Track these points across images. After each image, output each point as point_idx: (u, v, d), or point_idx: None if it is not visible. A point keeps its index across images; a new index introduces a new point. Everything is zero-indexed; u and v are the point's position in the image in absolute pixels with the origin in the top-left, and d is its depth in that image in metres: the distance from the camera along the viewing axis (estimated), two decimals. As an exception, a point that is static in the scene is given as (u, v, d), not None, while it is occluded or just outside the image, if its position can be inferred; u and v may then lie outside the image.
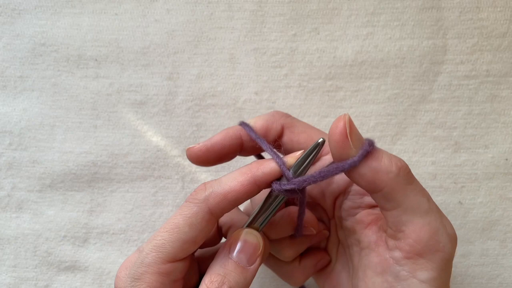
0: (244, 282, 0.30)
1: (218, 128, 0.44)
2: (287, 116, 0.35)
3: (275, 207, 0.32)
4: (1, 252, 0.45)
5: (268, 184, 0.31)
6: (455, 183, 0.44)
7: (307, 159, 0.30)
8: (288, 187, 0.30)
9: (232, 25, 0.44)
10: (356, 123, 0.44)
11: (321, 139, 0.30)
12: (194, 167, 0.45)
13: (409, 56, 0.44)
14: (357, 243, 0.33)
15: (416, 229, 0.28)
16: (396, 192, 0.28)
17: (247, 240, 0.31)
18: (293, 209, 0.34)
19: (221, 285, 0.29)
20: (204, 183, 0.31)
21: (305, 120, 0.44)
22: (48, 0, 0.44)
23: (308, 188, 0.36)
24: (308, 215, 0.35)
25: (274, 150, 0.31)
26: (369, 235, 0.32)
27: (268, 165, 0.30)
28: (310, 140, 0.33)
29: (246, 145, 0.35)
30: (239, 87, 0.44)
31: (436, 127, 0.44)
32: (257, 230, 0.32)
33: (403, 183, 0.28)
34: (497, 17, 0.43)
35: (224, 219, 0.36)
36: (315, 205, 0.37)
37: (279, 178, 0.30)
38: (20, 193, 0.45)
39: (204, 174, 0.45)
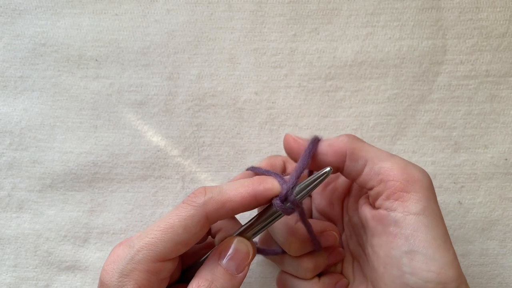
0: None
1: (218, 128, 0.44)
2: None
3: (271, 221, 0.32)
4: (2, 252, 0.45)
5: (267, 201, 0.31)
6: (454, 183, 0.44)
7: (311, 184, 0.31)
8: (288, 206, 0.31)
9: (232, 25, 0.44)
10: (355, 123, 0.44)
11: (329, 168, 0.31)
12: (194, 167, 0.45)
13: (408, 56, 0.44)
14: (366, 236, 0.34)
15: (388, 169, 0.30)
16: (358, 150, 0.32)
17: (238, 249, 0.32)
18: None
19: None
20: (204, 188, 0.31)
21: (304, 120, 0.44)
22: (49, 0, 0.44)
23: (318, 203, 0.38)
24: (319, 224, 0.36)
25: (278, 173, 0.33)
26: (366, 212, 0.33)
27: (270, 181, 0.31)
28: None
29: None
30: (239, 87, 0.44)
31: (435, 127, 0.44)
32: (248, 239, 0.33)
33: (358, 142, 0.32)
34: (496, 17, 0.43)
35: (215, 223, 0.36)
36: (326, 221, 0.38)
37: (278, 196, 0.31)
38: (21, 193, 0.45)
39: (204, 174, 0.45)
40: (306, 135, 0.44)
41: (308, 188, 0.31)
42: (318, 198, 0.38)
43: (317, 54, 0.44)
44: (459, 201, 0.44)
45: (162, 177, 0.45)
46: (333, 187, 0.38)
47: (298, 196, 0.31)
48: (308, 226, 0.33)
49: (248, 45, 0.44)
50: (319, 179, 0.31)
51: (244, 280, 0.44)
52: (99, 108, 0.44)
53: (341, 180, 0.37)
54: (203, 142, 0.45)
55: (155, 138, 0.45)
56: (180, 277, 0.36)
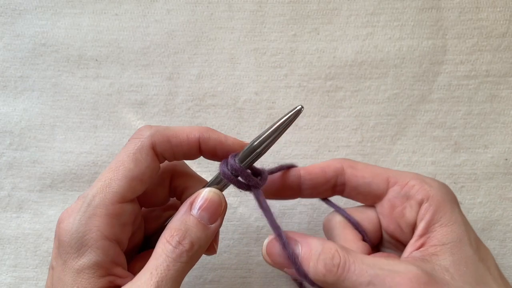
0: (205, 239, 0.30)
1: (218, 128, 0.44)
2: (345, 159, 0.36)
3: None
4: (2, 252, 0.45)
5: (211, 150, 0.32)
6: (454, 183, 0.44)
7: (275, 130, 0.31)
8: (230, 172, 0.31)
9: (232, 25, 0.44)
10: (356, 123, 0.44)
11: (300, 106, 0.30)
12: (194, 167, 0.44)
13: (408, 56, 0.44)
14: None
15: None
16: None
17: (210, 198, 0.31)
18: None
19: (182, 239, 0.29)
20: (150, 125, 0.32)
21: (305, 120, 0.44)
22: (49, 0, 0.44)
23: (385, 226, 0.34)
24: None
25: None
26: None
27: (218, 134, 0.32)
28: (375, 176, 0.33)
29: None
30: (239, 87, 0.44)
31: (435, 127, 0.44)
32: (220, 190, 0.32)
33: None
34: (496, 17, 0.43)
35: (180, 181, 0.35)
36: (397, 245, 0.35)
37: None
38: (21, 193, 0.45)
39: (204, 174, 0.45)
40: (306, 135, 0.44)
41: (270, 134, 0.30)
42: (386, 221, 0.34)
43: (317, 54, 0.44)
44: (459, 201, 0.44)
45: (162, 177, 0.45)
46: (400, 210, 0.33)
47: (256, 145, 0.30)
48: (260, 202, 0.31)
49: (248, 45, 0.44)
50: (285, 122, 0.30)
51: (244, 280, 0.44)
52: (99, 108, 0.44)
53: (408, 210, 0.33)
54: (203, 142, 0.45)
55: (155, 138, 0.44)
56: (144, 244, 0.35)
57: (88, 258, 0.28)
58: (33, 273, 0.45)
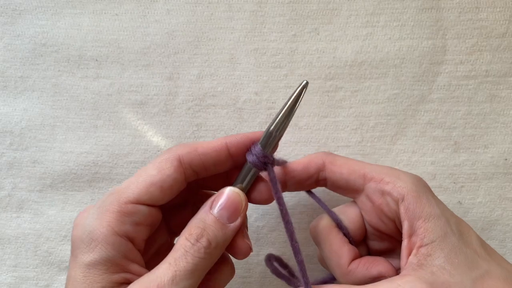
0: (223, 238, 0.30)
1: (218, 128, 0.45)
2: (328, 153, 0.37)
3: (253, 174, 0.33)
4: (2, 252, 0.45)
5: (239, 151, 0.33)
6: (454, 183, 0.44)
7: (289, 108, 0.33)
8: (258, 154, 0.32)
9: (232, 25, 0.44)
10: (355, 123, 0.44)
11: (305, 81, 0.33)
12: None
13: (408, 57, 0.44)
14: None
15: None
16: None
17: (230, 197, 0.31)
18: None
19: (199, 237, 0.29)
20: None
21: (305, 120, 0.44)
22: (49, 0, 0.44)
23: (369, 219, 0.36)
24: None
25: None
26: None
27: (242, 134, 0.33)
28: (352, 172, 0.35)
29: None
30: (239, 87, 0.44)
31: (435, 127, 0.44)
32: (242, 190, 0.32)
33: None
34: (496, 17, 0.43)
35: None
36: (392, 243, 0.36)
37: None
38: (21, 193, 0.45)
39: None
40: (306, 135, 0.44)
41: (285, 112, 0.32)
42: (367, 215, 0.35)
43: (317, 54, 0.44)
44: (459, 201, 0.44)
45: (162, 177, 0.45)
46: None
47: (273, 128, 0.32)
48: (274, 184, 0.33)
49: (248, 45, 0.44)
50: (297, 97, 0.32)
51: (244, 280, 0.44)
52: (99, 108, 0.44)
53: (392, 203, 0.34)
54: (203, 142, 0.45)
55: (155, 138, 0.45)
56: (167, 245, 0.35)
57: (98, 253, 0.28)
58: (33, 273, 0.45)
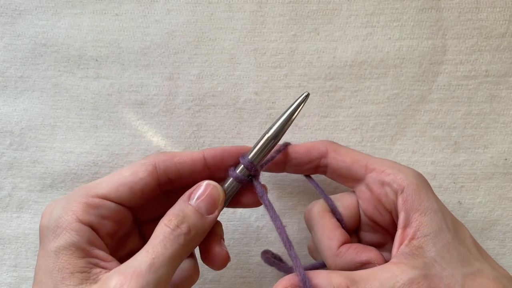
0: (202, 227, 0.31)
1: (218, 128, 0.45)
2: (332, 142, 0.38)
3: (234, 186, 0.34)
4: (2, 251, 0.45)
5: (217, 164, 0.34)
6: (454, 183, 0.44)
7: (263, 149, 0.34)
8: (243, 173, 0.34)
9: (232, 25, 0.44)
10: (355, 123, 0.44)
11: (307, 93, 0.34)
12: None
13: (408, 57, 0.44)
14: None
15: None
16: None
17: (208, 190, 0.32)
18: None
19: (180, 223, 0.29)
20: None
21: (304, 120, 0.44)
22: (49, 0, 0.44)
23: (367, 212, 0.36)
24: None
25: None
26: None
27: (221, 147, 0.34)
28: (355, 161, 0.35)
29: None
30: (239, 87, 0.44)
31: (435, 127, 0.44)
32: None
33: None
34: (496, 17, 0.43)
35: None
36: (381, 233, 0.37)
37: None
38: (21, 193, 0.45)
39: (204, 174, 0.45)
40: (306, 135, 0.44)
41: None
42: (365, 204, 0.36)
43: (317, 54, 0.44)
44: (459, 201, 0.44)
45: (162, 177, 0.45)
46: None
47: (271, 134, 0.33)
48: (264, 201, 0.33)
49: (248, 45, 0.44)
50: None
51: (244, 280, 0.44)
52: (100, 108, 0.44)
53: (389, 191, 0.34)
54: (203, 142, 0.45)
55: (155, 138, 0.45)
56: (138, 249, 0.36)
57: (63, 239, 0.29)
58: (33, 273, 0.45)
